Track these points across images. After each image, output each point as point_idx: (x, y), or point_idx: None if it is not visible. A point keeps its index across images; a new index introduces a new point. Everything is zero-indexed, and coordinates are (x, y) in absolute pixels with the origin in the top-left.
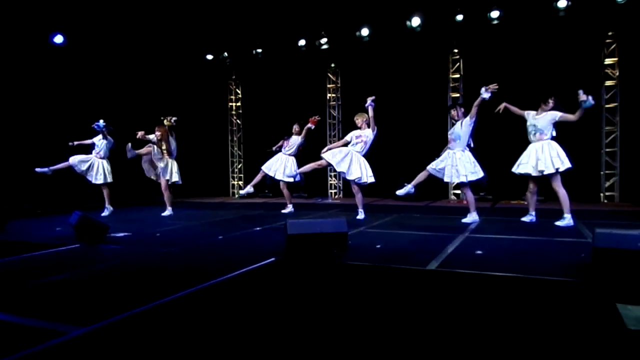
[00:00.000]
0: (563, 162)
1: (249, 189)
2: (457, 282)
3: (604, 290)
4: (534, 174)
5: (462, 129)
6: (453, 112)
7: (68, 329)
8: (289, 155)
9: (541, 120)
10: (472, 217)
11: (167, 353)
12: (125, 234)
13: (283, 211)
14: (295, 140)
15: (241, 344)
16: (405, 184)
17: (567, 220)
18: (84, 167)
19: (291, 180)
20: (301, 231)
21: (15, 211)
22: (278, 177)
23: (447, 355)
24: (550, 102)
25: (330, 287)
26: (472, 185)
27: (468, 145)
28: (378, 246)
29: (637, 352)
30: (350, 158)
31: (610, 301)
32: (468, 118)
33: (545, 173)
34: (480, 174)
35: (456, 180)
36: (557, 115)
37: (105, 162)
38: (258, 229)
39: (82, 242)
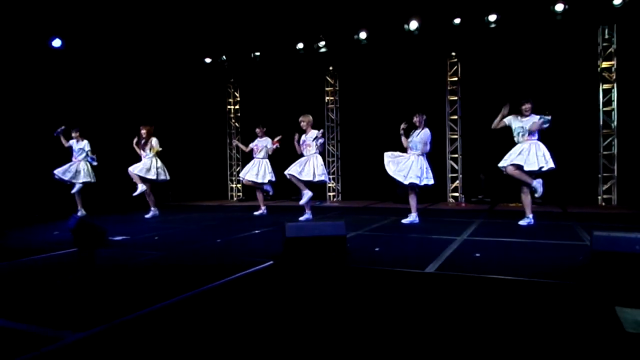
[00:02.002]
0: (547, 162)
1: (263, 211)
2: (456, 285)
3: (602, 293)
4: (521, 162)
5: (419, 138)
6: (415, 119)
7: (64, 334)
8: (261, 159)
9: (528, 123)
10: (412, 217)
11: (164, 357)
12: (123, 237)
13: (255, 213)
14: (264, 144)
15: (238, 348)
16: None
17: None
18: (68, 175)
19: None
20: (299, 234)
21: (13, 215)
22: (249, 178)
23: (446, 358)
24: (527, 105)
25: (328, 291)
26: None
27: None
28: (377, 249)
29: (635, 355)
30: (304, 162)
31: (608, 304)
32: (427, 130)
33: (531, 170)
34: (430, 180)
35: (406, 182)
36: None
37: (83, 163)
38: (256, 231)
39: (80, 246)
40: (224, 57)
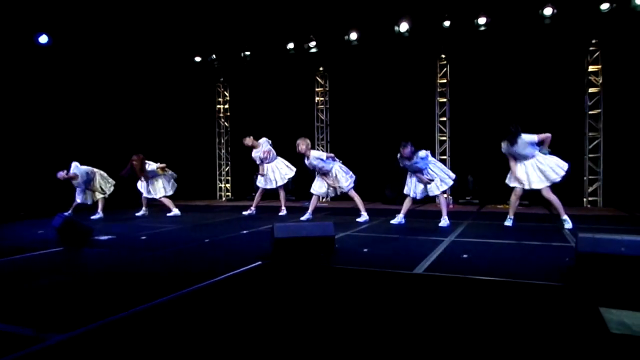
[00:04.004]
0: (557, 174)
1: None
2: (443, 285)
3: (588, 294)
4: (527, 187)
5: (419, 165)
6: (403, 150)
7: (48, 335)
8: (273, 163)
9: (519, 148)
10: (400, 218)
11: (149, 358)
12: (110, 237)
13: (244, 213)
14: (266, 151)
15: (225, 349)
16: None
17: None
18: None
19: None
20: (288, 235)
21: None
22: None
23: (433, 357)
24: (512, 130)
25: (317, 291)
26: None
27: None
28: (365, 250)
29: (619, 356)
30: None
31: (593, 305)
32: (422, 152)
33: (538, 188)
34: (451, 177)
35: (442, 189)
36: (533, 138)
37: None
38: (245, 232)
39: (66, 246)
40: (213, 56)
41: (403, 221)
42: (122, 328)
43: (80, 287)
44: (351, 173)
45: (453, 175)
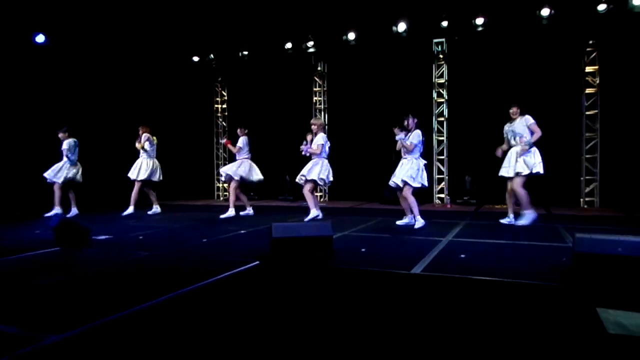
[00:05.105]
0: (534, 167)
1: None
2: (441, 286)
3: (585, 295)
4: (511, 175)
5: (411, 140)
6: (405, 122)
7: (43, 336)
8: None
9: (516, 126)
10: (408, 219)
11: (147, 358)
12: (107, 237)
13: (241, 213)
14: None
15: (223, 349)
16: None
17: (526, 216)
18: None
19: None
20: (286, 234)
21: None
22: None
23: (431, 358)
24: (514, 109)
25: (314, 291)
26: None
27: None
28: (363, 250)
29: (616, 356)
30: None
31: (590, 305)
32: (417, 132)
33: (523, 174)
34: (424, 183)
35: (397, 181)
36: (529, 121)
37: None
38: (243, 231)
39: (63, 246)
40: (211, 55)
41: (412, 222)
42: (120, 328)
43: (79, 287)
44: (317, 176)
45: (424, 185)
